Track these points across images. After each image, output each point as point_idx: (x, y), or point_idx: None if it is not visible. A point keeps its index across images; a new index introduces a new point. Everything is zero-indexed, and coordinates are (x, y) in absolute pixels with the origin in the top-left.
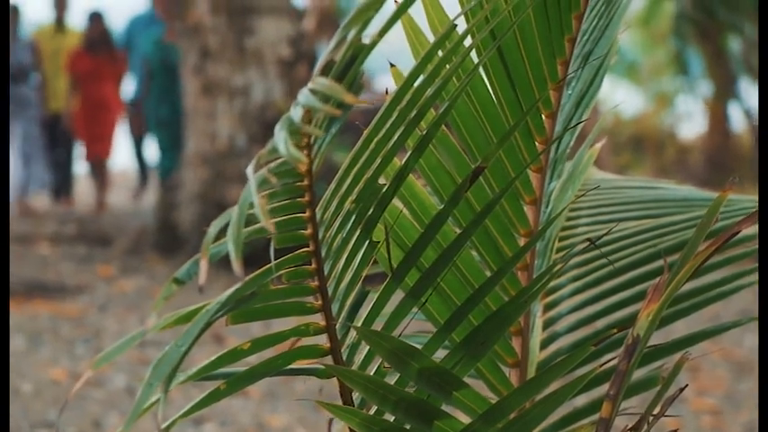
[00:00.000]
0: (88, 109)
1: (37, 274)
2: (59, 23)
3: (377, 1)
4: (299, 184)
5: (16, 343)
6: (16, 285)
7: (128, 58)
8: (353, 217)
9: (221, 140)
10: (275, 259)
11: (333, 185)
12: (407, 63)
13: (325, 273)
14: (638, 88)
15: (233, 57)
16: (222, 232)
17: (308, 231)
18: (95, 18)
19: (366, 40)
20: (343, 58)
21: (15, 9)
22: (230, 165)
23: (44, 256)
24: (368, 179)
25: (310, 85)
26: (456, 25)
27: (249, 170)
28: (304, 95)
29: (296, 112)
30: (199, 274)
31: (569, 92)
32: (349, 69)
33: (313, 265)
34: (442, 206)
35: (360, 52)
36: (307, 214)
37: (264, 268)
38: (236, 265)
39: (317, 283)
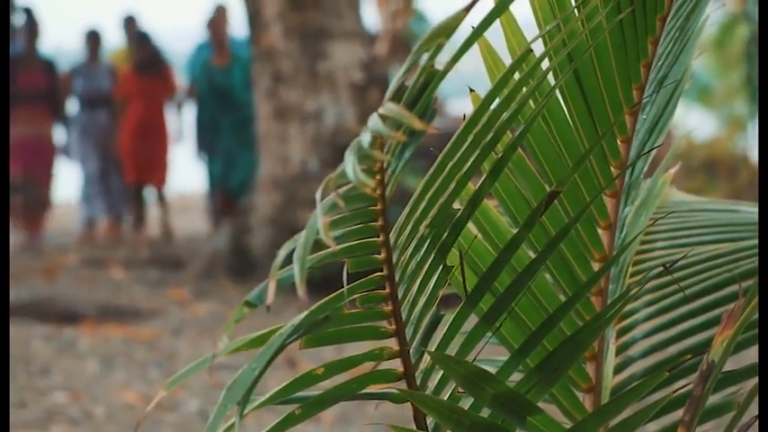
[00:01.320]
0: (138, 133)
1: (110, 298)
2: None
3: (450, 26)
4: (372, 208)
5: (89, 366)
6: (89, 309)
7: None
8: (428, 241)
9: (293, 165)
10: (349, 284)
11: (407, 210)
12: (481, 86)
13: (399, 297)
14: (710, 112)
15: (305, 81)
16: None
17: (382, 256)
18: (144, 39)
19: (440, 65)
20: (415, 83)
21: (96, 33)
22: (302, 189)
23: (117, 281)
24: (442, 203)
25: (381, 110)
26: (532, 49)
27: (318, 194)
28: (374, 121)
29: (366, 137)
30: (269, 297)
31: (644, 116)
32: (422, 95)
33: (387, 290)
34: (517, 230)
35: (433, 78)
36: (380, 239)
37: (338, 292)
38: (301, 288)
39: (390, 307)
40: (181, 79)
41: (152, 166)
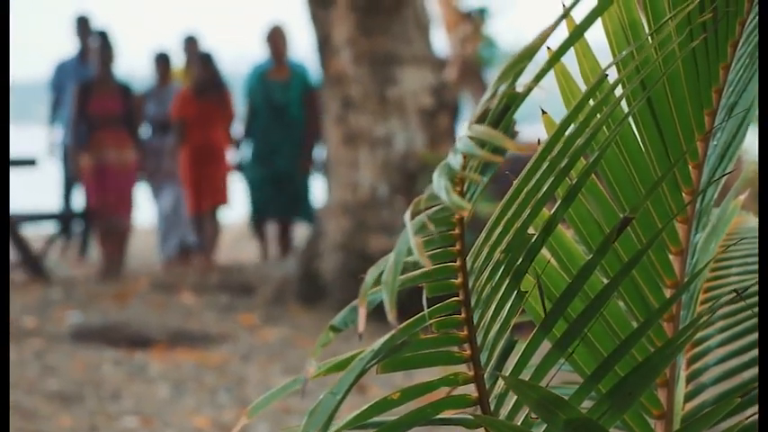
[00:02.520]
0: (196, 157)
1: (180, 323)
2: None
3: (531, 50)
4: (450, 233)
5: (160, 391)
6: (160, 334)
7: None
8: (503, 266)
9: (363, 190)
10: (417, 309)
11: (483, 235)
12: (550, 110)
13: (474, 322)
14: None
15: (375, 106)
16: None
17: (459, 281)
18: (205, 60)
19: (519, 88)
20: (496, 106)
21: (165, 56)
22: (372, 214)
23: (187, 306)
24: (517, 229)
25: (468, 132)
26: (607, 75)
27: (407, 217)
28: (463, 142)
29: (455, 159)
30: (360, 323)
31: (715, 143)
32: (502, 118)
33: (463, 315)
34: (590, 256)
35: (513, 101)
36: (457, 263)
37: (417, 317)
38: (391, 314)
39: (466, 332)
40: (239, 103)
41: (210, 191)
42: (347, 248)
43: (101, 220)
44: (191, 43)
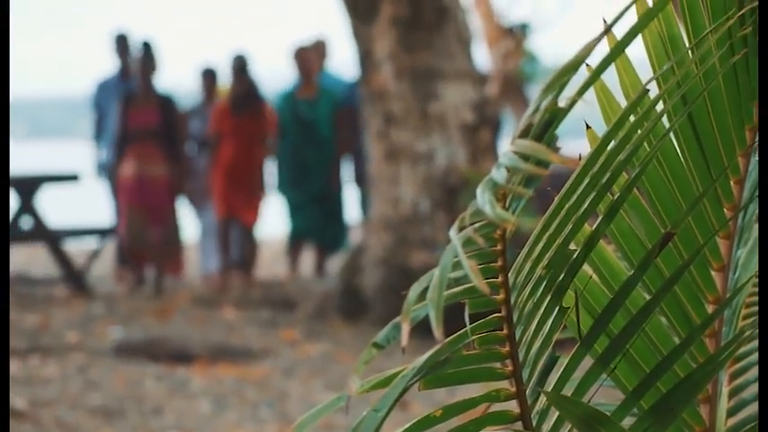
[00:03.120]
0: (230, 171)
1: (222, 338)
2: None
3: (575, 64)
4: (492, 248)
5: (202, 406)
6: (202, 349)
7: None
8: (544, 282)
9: (405, 205)
10: (460, 324)
11: (525, 250)
12: (592, 126)
13: (516, 338)
14: None
15: (417, 122)
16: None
17: (501, 296)
18: (241, 73)
19: (561, 103)
20: (539, 121)
21: (212, 71)
22: (414, 230)
23: (229, 321)
24: (559, 245)
25: (512, 147)
26: (648, 90)
27: (452, 232)
28: (507, 156)
29: (500, 174)
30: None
31: (756, 158)
32: (545, 132)
33: (504, 331)
34: (632, 272)
35: (556, 116)
36: (500, 279)
37: (460, 333)
38: (438, 330)
39: (508, 348)
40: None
41: (243, 206)
42: (389, 264)
43: (129, 236)
44: (239, 61)
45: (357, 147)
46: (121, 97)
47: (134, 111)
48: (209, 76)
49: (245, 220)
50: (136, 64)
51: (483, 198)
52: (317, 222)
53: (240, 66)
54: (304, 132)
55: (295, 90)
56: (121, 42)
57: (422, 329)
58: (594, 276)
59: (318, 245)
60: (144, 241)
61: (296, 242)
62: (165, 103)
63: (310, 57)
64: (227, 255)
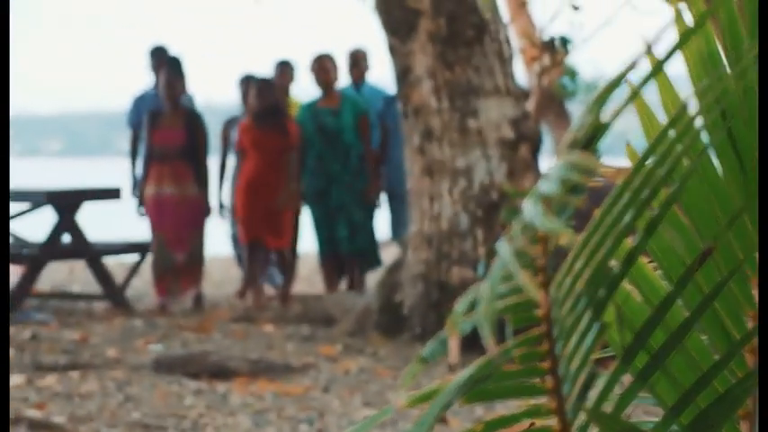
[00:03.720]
0: (253, 187)
1: (262, 353)
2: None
3: (616, 82)
4: (534, 264)
5: (241, 422)
6: (241, 364)
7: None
8: (585, 298)
9: (444, 221)
10: (499, 339)
11: (565, 266)
12: (633, 143)
13: (557, 353)
14: None
15: (456, 138)
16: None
17: (542, 312)
18: (264, 86)
19: (603, 119)
20: (582, 136)
21: (251, 80)
22: (453, 246)
23: (269, 336)
24: (599, 260)
25: (565, 157)
26: (687, 105)
27: (502, 244)
28: (558, 168)
29: (548, 186)
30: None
31: None
32: (588, 148)
33: (545, 346)
34: (672, 288)
35: (598, 131)
36: (541, 295)
37: (502, 349)
38: (490, 343)
39: (548, 364)
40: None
41: (266, 228)
42: (427, 279)
43: (158, 254)
44: (284, 67)
45: (390, 160)
46: (149, 115)
47: (160, 128)
48: (247, 84)
49: (269, 245)
50: (162, 80)
51: (532, 210)
52: (343, 235)
53: (262, 79)
54: (327, 143)
55: (317, 100)
56: (157, 56)
57: (462, 345)
58: (634, 292)
59: (349, 259)
60: (167, 262)
61: (326, 257)
62: (192, 120)
63: (328, 66)
64: (253, 278)
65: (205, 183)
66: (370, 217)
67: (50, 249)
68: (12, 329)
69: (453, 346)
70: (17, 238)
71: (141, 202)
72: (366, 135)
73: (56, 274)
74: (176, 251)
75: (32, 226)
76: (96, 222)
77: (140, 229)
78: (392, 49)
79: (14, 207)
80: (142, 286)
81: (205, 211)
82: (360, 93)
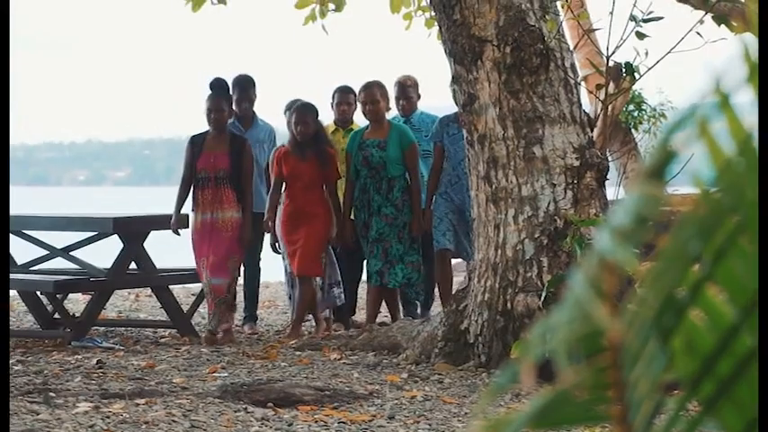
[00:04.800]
0: (293, 220)
1: (327, 381)
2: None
3: (687, 113)
4: (605, 293)
5: None
6: (307, 392)
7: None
8: (652, 325)
9: (509, 249)
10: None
11: (633, 293)
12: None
13: (624, 381)
14: None
15: (521, 166)
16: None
17: (610, 340)
18: (305, 112)
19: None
20: (654, 165)
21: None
22: (518, 273)
23: (334, 364)
24: (667, 287)
25: (636, 191)
26: (752, 134)
27: (577, 272)
28: (630, 200)
29: (620, 217)
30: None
31: None
32: (658, 177)
33: (613, 373)
34: (738, 315)
35: (668, 161)
36: (611, 324)
37: (572, 376)
38: (565, 372)
39: (615, 391)
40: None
41: (306, 256)
42: (493, 307)
43: (206, 281)
44: (345, 94)
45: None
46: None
47: (203, 154)
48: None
49: (310, 272)
50: (207, 104)
51: (607, 240)
52: (376, 269)
53: (302, 104)
54: (372, 175)
55: (364, 130)
56: (235, 87)
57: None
58: (701, 319)
59: (385, 292)
60: (208, 290)
61: (374, 286)
62: (237, 144)
63: (376, 95)
64: (311, 311)
65: (249, 209)
66: (414, 251)
67: (117, 277)
68: (78, 356)
69: (526, 373)
70: (84, 265)
71: (176, 228)
72: (414, 166)
73: (122, 301)
74: (220, 277)
75: (100, 253)
76: (163, 249)
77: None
78: (457, 78)
79: (81, 234)
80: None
81: (249, 237)
82: (410, 121)
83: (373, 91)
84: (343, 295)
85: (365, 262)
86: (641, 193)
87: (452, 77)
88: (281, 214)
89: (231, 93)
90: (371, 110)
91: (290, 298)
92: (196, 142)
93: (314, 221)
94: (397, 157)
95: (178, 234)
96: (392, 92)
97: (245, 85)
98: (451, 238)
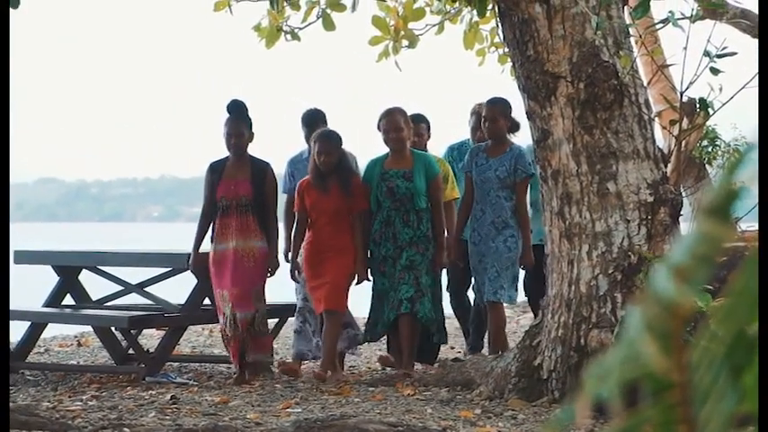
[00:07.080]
0: (316, 254)
1: (400, 416)
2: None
3: (752, 147)
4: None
5: None
6: (380, 428)
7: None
8: (723, 363)
9: (582, 285)
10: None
11: (704, 330)
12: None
13: (694, 418)
14: None
15: (595, 202)
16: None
17: (677, 378)
18: (327, 141)
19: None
20: (718, 201)
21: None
22: (591, 309)
23: (406, 399)
24: (738, 324)
25: (697, 229)
26: None
27: (634, 313)
28: (691, 238)
29: (680, 255)
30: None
31: None
32: (724, 213)
33: (682, 411)
34: None
35: (734, 197)
36: (676, 359)
37: (638, 414)
38: (616, 409)
39: (686, 428)
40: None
41: (334, 291)
42: (566, 343)
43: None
44: (326, 133)
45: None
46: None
47: (224, 181)
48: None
49: (329, 304)
50: (225, 129)
51: (663, 278)
52: (408, 296)
53: (325, 133)
54: (398, 207)
55: (383, 158)
56: (308, 122)
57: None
58: None
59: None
60: (233, 324)
61: (404, 314)
62: (259, 171)
63: (399, 123)
64: (332, 345)
65: (275, 237)
66: (438, 286)
67: (191, 312)
68: (152, 392)
69: (582, 409)
70: (158, 301)
71: (192, 260)
72: (438, 199)
73: (196, 337)
74: (242, 310)
75: (174, 289)
76: None
77: (280, 291)
78: (530, 113)
79: (156, 270)
80: (281, 348)
81: (273, 267)
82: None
83: (396, 118)
84: (359, 336)
85: (394, 292)
86: (700, 231)
87: (526, 113)
88: (304, 250)
89: (302, 127)
90: (395, 138)
91: (295, 332)
92: (215, 169)
93: (341, 254)
94: (423, 189)
95: (194, 274)
96: (466, 120)
97: (316, 119)
98: (505, 291)
